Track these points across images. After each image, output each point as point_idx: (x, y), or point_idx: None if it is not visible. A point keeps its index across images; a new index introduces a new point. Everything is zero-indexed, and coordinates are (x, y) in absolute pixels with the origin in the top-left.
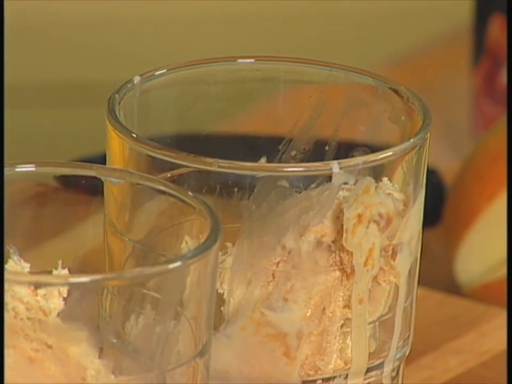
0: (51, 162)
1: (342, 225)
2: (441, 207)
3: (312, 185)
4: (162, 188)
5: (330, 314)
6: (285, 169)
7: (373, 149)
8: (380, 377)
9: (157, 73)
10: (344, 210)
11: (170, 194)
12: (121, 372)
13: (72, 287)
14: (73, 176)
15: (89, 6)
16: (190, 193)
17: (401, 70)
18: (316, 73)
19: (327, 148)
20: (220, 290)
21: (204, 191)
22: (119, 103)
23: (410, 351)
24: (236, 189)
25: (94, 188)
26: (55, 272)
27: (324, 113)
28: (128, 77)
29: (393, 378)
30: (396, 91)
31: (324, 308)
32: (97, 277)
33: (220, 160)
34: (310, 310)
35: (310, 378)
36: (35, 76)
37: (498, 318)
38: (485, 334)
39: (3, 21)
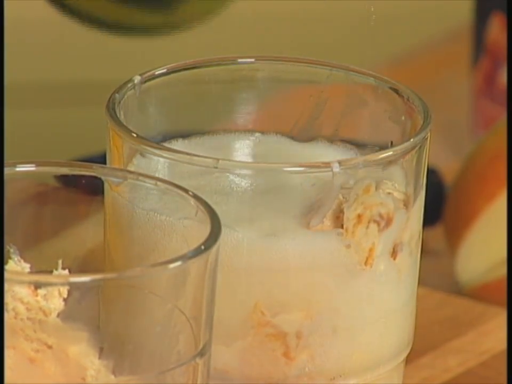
0: (51, 162)
1: (342, 225)
2: (441, 207)
3: (313, 185)
4: (162, 187)
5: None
6: (285, 169)
7: (373, 148)
8: (380, 377)
9: (157, 73)
10: (344, 210)
11: (170, 194)
12: (121, 372)
13: (72, 287)
14: (73, 176)
15: None
16: (190, 192)
17: (401, 70)
18: (316, 73)
19: None
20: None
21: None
22: (119, 102)
23: (410, 351)
24: (236, 189)
25: (94, 188)
26: (55, 272)
27: (324, 113)
28: (128, 77)
29: (393, 378)
30: (396, 91)
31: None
32: (97, 277)
33: (220, 160)
34: (310, 310)
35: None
36: (35, 76)
37: (498, 317)
38: (484, 334)
39: (3, 21)
